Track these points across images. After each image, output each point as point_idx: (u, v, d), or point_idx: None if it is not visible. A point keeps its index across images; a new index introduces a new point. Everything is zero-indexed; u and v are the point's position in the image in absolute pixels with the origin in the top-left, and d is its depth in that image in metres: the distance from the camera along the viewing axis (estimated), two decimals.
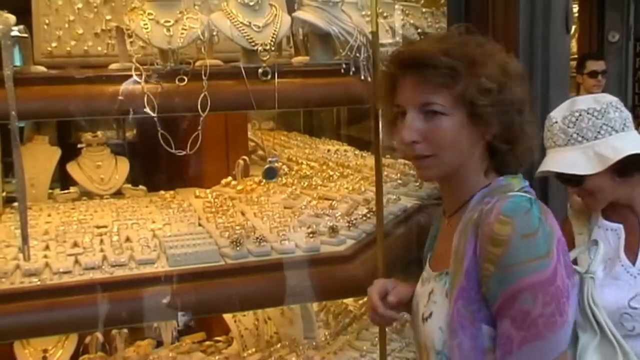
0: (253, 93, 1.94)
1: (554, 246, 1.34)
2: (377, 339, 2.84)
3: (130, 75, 1.85)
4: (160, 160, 3.06)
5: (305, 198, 2.63)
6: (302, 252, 2.12)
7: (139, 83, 1.84)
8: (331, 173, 2.97)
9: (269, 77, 1.95)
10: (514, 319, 1.32)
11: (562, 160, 1.87)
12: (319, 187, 2.78)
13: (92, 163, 2.59)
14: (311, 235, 2.16)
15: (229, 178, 2.80)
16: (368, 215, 2.37)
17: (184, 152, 1.89)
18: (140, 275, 1.95)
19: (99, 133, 2.63)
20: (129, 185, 2.63)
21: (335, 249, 2.18)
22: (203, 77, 1.89)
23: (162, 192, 2.64)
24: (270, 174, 2.03)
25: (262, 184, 2.86)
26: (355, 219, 2.33)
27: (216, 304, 1.98)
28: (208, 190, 2.66)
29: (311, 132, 4.61)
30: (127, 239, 2.18)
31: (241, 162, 2.80)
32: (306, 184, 2.78)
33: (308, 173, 2.98)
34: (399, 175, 3.06)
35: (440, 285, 1.47)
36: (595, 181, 1.86)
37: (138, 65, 1.86)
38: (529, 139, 1.45)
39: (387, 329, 2.99)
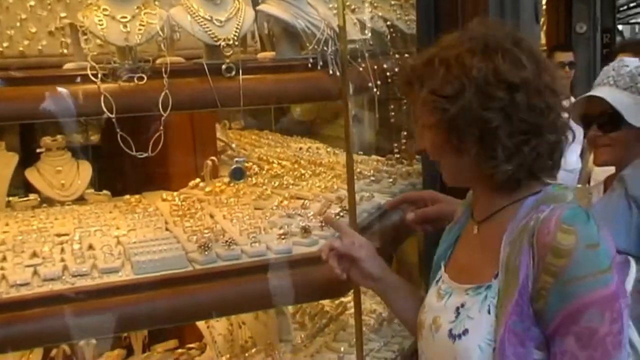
0: (217, 91, 1.86)
1: (613, 260, 1.27)
2: (354, 339, 2.79)
3: (86, 75, 1.75)
4: (125, 163, 2.96)
5: (277, 198, 2.54)
6: (273, 255, 2.04)
7: (94, 83, 1.74)
8: (303, 172, 2.89)
9: (233, 73, 1.87)
10: (579, 337, 1.24)
11: (618, 99, 1.99)
12: (290, 187, 2.70)
13: (52, 168, 2.49)
14: (282, 236, 2.08)
15: (197, 180, 2.71)
16: (341, 213, 2.30)
17: (145, 155, 1.79)
18: (103, 284, 1.85)
19: (58, 137, 2.52)
20: (92, 191, 2.53)
21: (308, 250, 2.10)
22: (163, 75, 1.80)
23: (127, 196, 2.54)
24: (237, 174, 1.95)
25: (232, 184, 2.77)
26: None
27: (185, 312, 1.89)
28: (175, 193, 2.57)
29: (282, 131, 4.52)
30: (90, 247, 2.09)
31: (209, 162, 2.71)
32: (277, 183, 2.69)
33: (279, 172, 2.90)
34: (372, 171, 3.00)
35: (478, 299, 1.37)
36: (630, 135, 1.98)
37: (94, 64, 1.76)
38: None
39: (364, 329, 2.94)
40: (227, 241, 2.03)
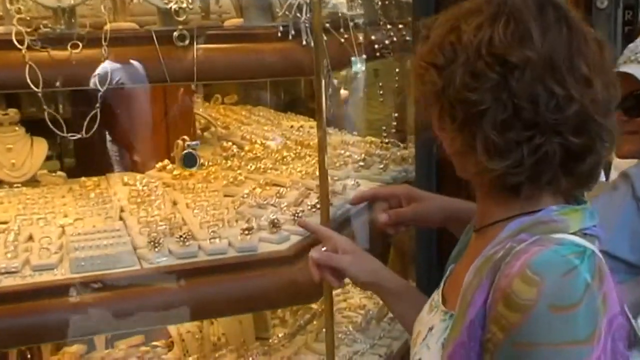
0: (167, 62, 1.59)
1: (602, 329, 0.96)
2: (342, 338, 2.54)
3: (10, 41, 1.49)
4: (91, 141, 2.70)
5: (250, 184, 2.28)
6: (235, 253, 1.79)
7: (19, 50, 1.48)
8: (285, 154, 2.62)
9: (187, 42, 1.59)
10: None
11: None
12: (268, 171, 2.43)
13: (1, 146, 2.23)
14: (247, 232, 1.81)
15: (166, 161, 2.45)
16: (318, 204, 2.03)
17: (79, 136, 1.53)
18: (32, 284, 1.60)
19: (10, 110, 2.26)
20: (45, 172, 2.27)
21: (276, 247, 1.84)
22: (103, 42, 1.53)
23: (82, 178, 2.28)
24: (189, 160, 1.69)
25: (204, 167, 2.51)
26: (303, 210, 1.98)
27: (125, 319, 1.64)
28: (139, 176, 2.31)
29: (278, 107, 4.24)
30: (30, 238, 1.84)
31: (180, 142, 2.43)
32: (254, 167, 2.43)
33: (259, 154, 2.63)
34: (363, 155, 2.73)
35: (441, 327, 1.13)
36: None
37: (20, 28, 1.50)
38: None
39: (350, 328, 2.68)
40: (182, 235, 1.77)
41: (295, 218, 1.94)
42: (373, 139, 3.13)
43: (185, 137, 2.47)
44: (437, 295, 1.24)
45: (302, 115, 3.98)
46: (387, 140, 2.93)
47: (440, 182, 2.34)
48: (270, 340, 2.47)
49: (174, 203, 2.14)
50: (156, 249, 1.73)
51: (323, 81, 1.66)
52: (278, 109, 4.18)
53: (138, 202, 2.07)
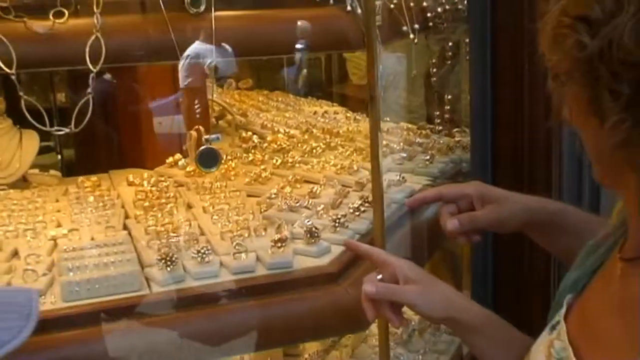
0: (179, 35, 1.24)
1: None
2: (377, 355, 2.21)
3: None
4: (93, 132, 2.37)
5: (277, 182, 1.94)
6: (265, 270, 1.45)
7: None
8: (314, 144, 2.28)
9: (202, 8, 1.25)
10: None
11: None
12: (297, 165, 2.09)
13: None
14: (279, 243, 1.47)
15: (178, 155, 2.11)
16: (362, 207, 1.69)
17: (66, 131, 1.19)
18: None
19: None
20: (36, 171, 1.93)
21: (316, 262, 1.50)
22: (95, 10, 1.18)
23: (80, 178, 1.94)
24: (208, 159, 1.35)
25: (223, 162, 2.17)
26: (345, 215, 1.64)
27: (130, 357, 1.30)
28: (146, 174, 1.97)
29: (297, 91, 3.89)
30: (15, 254, 1.51)
31: (194, 133, 2.09)
32: (280, 161, 2.08)
33: (285, 145, 2.29)
34: (402, 145, 2.38)
35: None
36: None
37: None
38: None
39: (390, 341, 2.35)
40: (200, 250, 1.43)
41: (336, 224, 1.60)
42: (408, 125, 2.79)
43: (200, 127, 2.13)
44: (557, 341, 0.90)
45: (322, 100, 3.64)
46: (428, 127, 2.58)
47: (495, 177, 1.99)
48: (301, 357, 2.15)
49: (189, 206, 1.80)
50: (168, 268, 1.39)
51: (376, 57, 1.30)
52: (297, 93, 3.84)
53: (145, 206, 1.73)
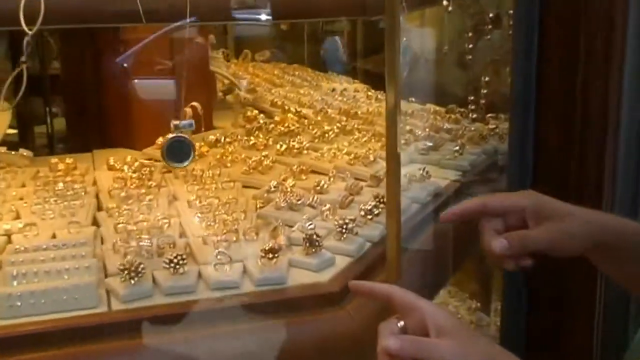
0: None
1: None
2: None
3: None
4: (82, 107, 2.12)
5: (280, 171, 1.67)
6: (253, 287, 1.18)
7: None
8: (327, 128, 2.00)
9: None
10: None
11: None
12: (304, 152, 1.82)
13: None
14: (271, 253, 1.20)
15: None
16: (376, 209, 1.41)
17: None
18: None
19: None
20: (4, 149, 1.68)
21: (315, 277, 1.23)
22: None
23: (54, 159, 1.68)
24: (178, 151, 1.08)
25: (219, 145, 1.90)
26: (354, 218, 1.36)
27: None
28: (130, 157, 1.70)
29: (316, 65, 3.61)
30: None
31: (188, 110, 1.82)
32: (284, 146, 1.81)
33: (293, 127, 2.02)
34: (428, 131, 2.10)
35: None
36: None
37: None
38: None
39: None
40: (174, 259, 1.17)
41: (343, 230, 1.32)
42: (436, 107, 2.51)
43: (195, 103, 1.86)
44: None
45: (343, 75, 3.36)
46: (458, 110, 2.29)
47: (535, 176, 1.71)
48: None
49: (174, 198, 1.54)
50: (133, 280, 1.13)
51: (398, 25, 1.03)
52: (316, 67, 3.56)
53: (121, 196, 1.47)
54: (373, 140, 1.96)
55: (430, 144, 1.93)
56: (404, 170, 1.73)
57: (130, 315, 1.11)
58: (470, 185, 1.81)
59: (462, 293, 2.66)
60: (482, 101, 1.98)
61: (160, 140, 1.83)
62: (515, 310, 1.93)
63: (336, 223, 1.33)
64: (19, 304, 1.08)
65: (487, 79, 1.91)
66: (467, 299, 2.65)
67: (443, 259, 1.55)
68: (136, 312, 1.11)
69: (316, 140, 1.92)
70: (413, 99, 2.78)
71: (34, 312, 1.09)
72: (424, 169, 1.68)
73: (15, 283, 1.12)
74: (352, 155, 1.74)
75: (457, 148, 1.89)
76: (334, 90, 2.84)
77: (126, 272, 1.14)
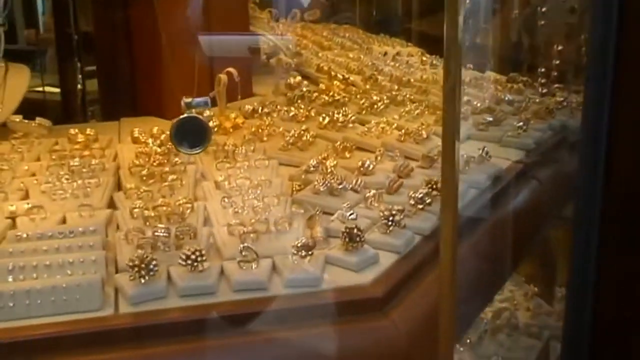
0: None
1: None
2: None
3: None
4: (113, 71, 1.98)
5: (321, 148, 1.50)
6: (282, 289, 1.02)
7: None
8: (376, 98, 1.81)
9: None
10: None
11: None
12: (349, 126, 1.64)
13: None
14: (303, 251, 1.04)
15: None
16: (428, 196, 1.23)
17: None
18: None
19: None
20: (19, 118, 1.54)
21: (355, 279, 1.06)
22: None
23: (73, 130, 1.54)
24: (190, 134, 0.91)
25: (257, 115, 1.74)
26: (402, 209, 1.18)
27: None
28: (156, 128, 1.54)
29: (369, 26, 3.40)
30: None
31: (223, 77, 1.66)
32: (327, 119, 1.63)
33: (338, 97, 1.83)
34: (487, 102, 1.90)
35: None
36: None
37: None
38: None
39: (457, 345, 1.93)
40: (192, 254, 1.01)
41: (390, 222, 1.15)
42: (496, 75, 2.30)
43: (231, 69, 1.70)
44: None
45: (397, 38, 3.14)
46: (520, 79, 2.08)
47: (609, 158, 1.50)
48: None
49: (201, 177, 1.38)
50: (143, 279, 0.98)
51: None
52: (369, 28, 3.35)
53: (142, 175, 1.32)
54: (427, 112, 1.77)
55: (490, 119, 1.73)
56: (461, 150, 1.54)
57: (139, 321, 0.95)
58: (534, 166, 1.61)
59: (518, 276, 2.47)
60: (554, 73, 1.76)
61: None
62: (580, 301, 1.74)
63: (382, 214, 1.15)
64: (11, 304, 0.94)
65: (560, 47, 1.69)
66: (524, 282, 2.46)
67: (503, 252, 1.37)
68: (145, 316, 0.96)
69: (363, 112, 1.74)
70: (471, 66, 2.57)
71: (28, 314, 0.94)
72: (483, 148, 1.49)
73: (10, 278, 0.98)
74: (403, 131, 1.55)
75: (521, 124, 1.69)
76: (385, 54, 2.64)
77: (136, 268, 0.98)
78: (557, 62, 1.76)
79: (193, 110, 0.97)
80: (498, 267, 1.34)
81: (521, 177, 1.54)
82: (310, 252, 1.04)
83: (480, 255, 1.27)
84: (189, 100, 1.00)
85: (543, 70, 1.79)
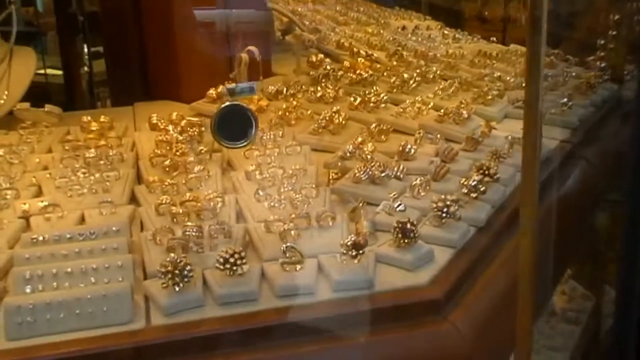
0: None
1: None
2: None
3: None
4: (119, 54, 1.86)
5: (355, 131, 1.39)
6: (330, 293, 0.91)
7: None
8: (407, 76, 1.69)
9: None
10: None
11: None
12: (382, 106, 1.52)
13: None
14: (354, 250, 0.93)
15: (221, 87, 1.57)
16: (481, 184, 1.12)
17: None
18: None
19: None
20: (27, 105, 1.42)
21: (408, 279, 0.95)
22: None
23: (86, 117, 1.42)
24: (234, 125, 0.80)
25: (281, 97, 1.62)
26: (455, 198, 1.07)
27: None
28: (175, 114, 1.43)
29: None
30: None
31: (244, 56, 1.53)
32: (359, 99, 1.52)
33: (366, 75, 1.71)
34: (518, 77, 1.79)
35: None
36: None
37: None
38: None
39: None
40: (231, 256, 0.90)
41: (443, 213, 1.04)
42: (519, 47, 2.19)
43: (253, 48, 1.57)
44: None
45: (411, 11, 3.01)
46: (552, 52, 1.95)
47: None
48: None
49: (228, 166, 1.28)
50: (178, 286, 0.87)
51: None
52: (382, 2, 3.21)
53: (165, 165, 1.21)
54: (461, 90, 1.65)
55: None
56: (502, 131, 1.43)
57: (175, 333, 0.85)
58: (582, 147, 1.49)
59: None
60: (611, 45, 1.64)
61: (212, 91, 1.56)
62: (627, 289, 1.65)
63: (434, 205, 1.04)
64: (30, 319, 0.84)
65: (617, 16, 1.57)
66: None
67: (561, 238, 1.26)
68: (182, 328, 0.86)
69: (394, 91, 1.62)
70: (494, 39, 2.45)
71: (50, 330, 0.84)
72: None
73: (28, 289, 0.88)
74: (442, 111, 1.43)
75: (565, 100, 1.57)
76: (404, 28, 2.51)
77: (169, 275, 0.88)
78: (614, 32, 1.64)
79: (235, 98, 0.86)
80: (558, 253, 1.23)
81: (570, 159, 1.43)
82: (361, 252, 0.93)
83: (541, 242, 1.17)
84: (231, 86, 0.88)
85: (602, 42, 1.67)
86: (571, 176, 1.37)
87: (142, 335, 0.85)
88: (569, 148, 1.44)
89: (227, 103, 0.86)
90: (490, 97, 1.56)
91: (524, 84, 1.49)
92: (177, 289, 0.88)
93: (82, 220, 1.06)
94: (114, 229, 1.00)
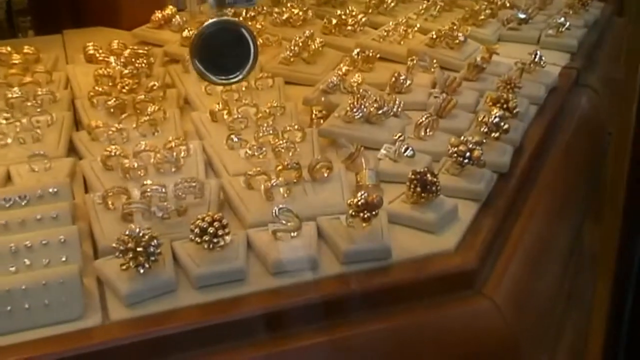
0: None
1: None
2: None
3: None
4: None
5: (334, 59, 1.17)
6: (339, 267, 0.72)
7: None
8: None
9: None
10: None
11: None
12: (360, 29, 1.31)
13: None
14: (366, 212, 0.73)
15: (171, 9, 1.33)
16: (503, 120, 0.93)
17: None
18: None
19: None
20: None
21: (432, 245, 0.76)
22: None
23: (4, 47, 1.16)
24: (218, 56, 0.58)
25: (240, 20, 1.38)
26: (478, 140, 0.87)
27: None
28: (116, 42, 1.18)
29: None
30: None
31: None
32: (334, 21, 1.30)
33: None
34: None
35: None
36: None
37: None
38: None
39: None
40: (211, 225, 0.69)
41: (463, 159, 0.84)
42: None
43: None
44: None
45: None
46: None
47: None
48: None
49: (186, 103, 1.05)
50: (142, 267, 0.66)
51: None
52: None
53: (110, 105, 0.97)
54: (444, 10, 1.45)
55: (523, 16, 1.42)
56: (504, 57, 1.24)
57: (142, 332, 0.64)
58: (586, 72, 1.32)
59: None
60: None
61: (158, 13, 1.31)
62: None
63: (454, 149, 0.84)
64: None
65: None
66: None
67: (578, 182, 1.09)
68: (150, 322, 0.65)
69: (370, 12, 1.40)
70: None
71: None
72: (536, 54, 1.18)
73: None
74: (434, 34, 1.23)
75: (562, 20, 1.38)
76: None
77: (130, 253, 0.66)
78: None
79: (228, 12, 0.63)
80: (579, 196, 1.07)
81: (577, 87, 1.25)
82: (374, 213, 0.73)
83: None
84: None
85: None
86: (580, 107, 1.20)
87: (98, 335, 0.64)
88: (574, 75, 1.26)
89: (214, 19, 0.63)
90: (483, 17, 1.36)
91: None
92: (141, 270, 0.67)
93: (7, 179, 0.83)
94: (50, 190, 0.78)
